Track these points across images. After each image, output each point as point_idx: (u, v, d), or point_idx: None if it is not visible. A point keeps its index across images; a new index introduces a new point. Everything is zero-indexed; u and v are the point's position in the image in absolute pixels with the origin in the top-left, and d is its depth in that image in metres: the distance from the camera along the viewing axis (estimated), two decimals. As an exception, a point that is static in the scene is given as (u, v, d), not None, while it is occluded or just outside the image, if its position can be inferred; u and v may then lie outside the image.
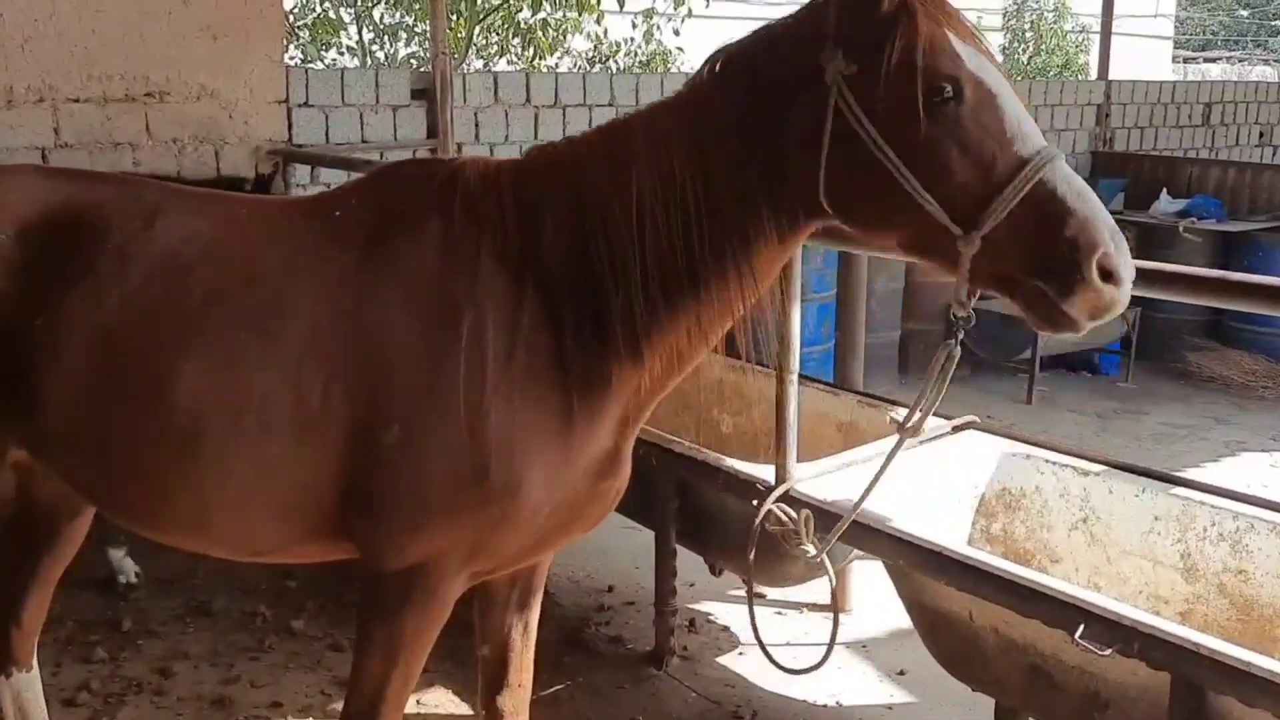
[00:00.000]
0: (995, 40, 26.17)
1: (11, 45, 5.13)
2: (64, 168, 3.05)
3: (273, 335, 2.20)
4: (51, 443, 2.41)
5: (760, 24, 2.11)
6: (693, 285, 2.06)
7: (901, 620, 3.80)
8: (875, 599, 4.25)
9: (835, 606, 3.30)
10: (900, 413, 2.32)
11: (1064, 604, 2.52)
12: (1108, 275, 1.77)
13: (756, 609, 4.24)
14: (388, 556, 2.22)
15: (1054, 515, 3.38)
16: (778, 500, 3.14)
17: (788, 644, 4.06)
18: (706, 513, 3.68)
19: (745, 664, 3.94)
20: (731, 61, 2.07)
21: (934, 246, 1.93)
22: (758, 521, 3.13)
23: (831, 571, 3.02)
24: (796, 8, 2.04)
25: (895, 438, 2.20)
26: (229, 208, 2.48)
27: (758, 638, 3.24)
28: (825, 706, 3.72)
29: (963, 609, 2.92)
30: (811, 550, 3.05)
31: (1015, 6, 25.83)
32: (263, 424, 2.18)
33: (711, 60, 2.09)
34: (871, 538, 2.92)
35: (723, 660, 3.96)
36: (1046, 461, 3.41)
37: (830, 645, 3.15)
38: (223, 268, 2.28)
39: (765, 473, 3.28)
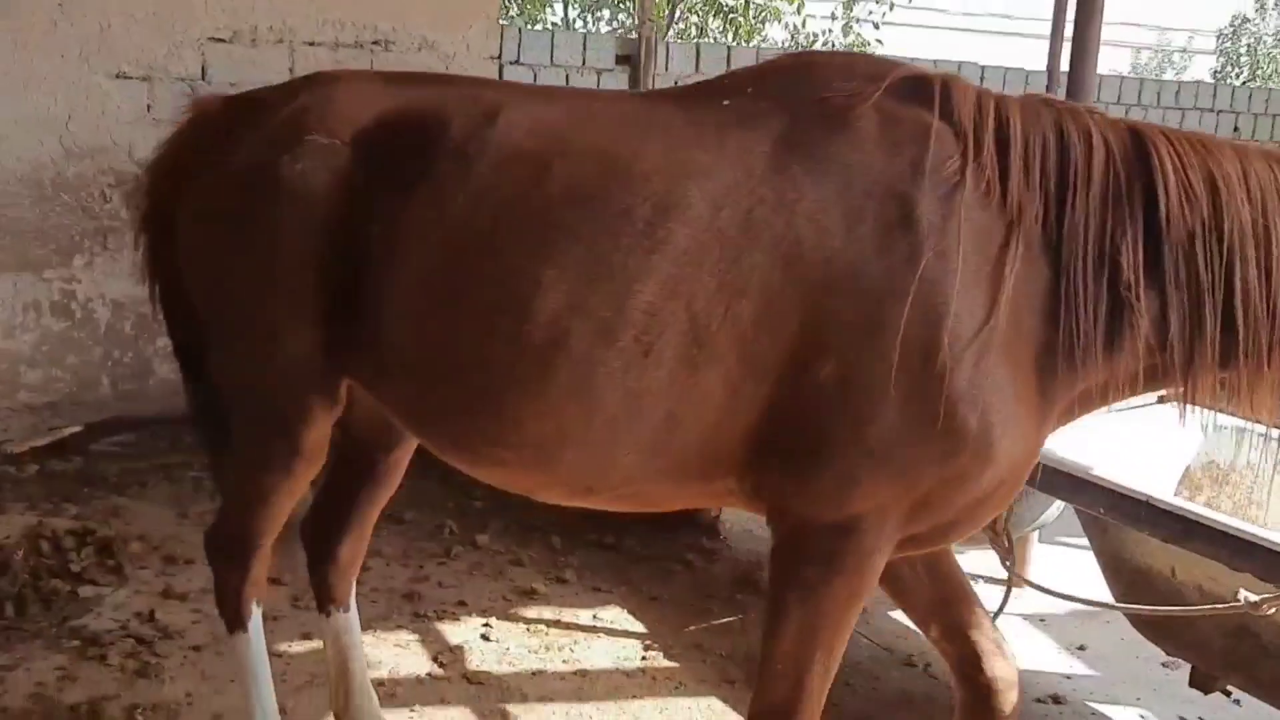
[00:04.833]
0: (1208, 63, 24.86)
1: (261, -12, 5.54)
2: (400, 72, 2.77)
3: (658, 241, 1.90)
4: (384, 368, 2.18)
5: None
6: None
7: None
8: (1055, 575, 4.12)
9: (1010, 580, 3.27)
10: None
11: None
12: None
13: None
14: (819, 510, 1.92)
15: (1266, 492, 3.23)
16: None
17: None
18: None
19: (918, 622, 3.89)
20: None
21: None
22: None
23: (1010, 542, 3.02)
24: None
25: None
26: (577, 100, 2.29)
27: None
28: (1000, 669, 3.64)
29: (1165, 565, 2.83)
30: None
31: (1232, 29, 24.43)
32: (642, 345, 1.90)
33: None
34: (1078, 487, 2.86)
35: (897, 615, 3.92)
36: (1260, 436, 3.27)
37: (999, 611, 3.12)
38: (585, 163, 2.00)
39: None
